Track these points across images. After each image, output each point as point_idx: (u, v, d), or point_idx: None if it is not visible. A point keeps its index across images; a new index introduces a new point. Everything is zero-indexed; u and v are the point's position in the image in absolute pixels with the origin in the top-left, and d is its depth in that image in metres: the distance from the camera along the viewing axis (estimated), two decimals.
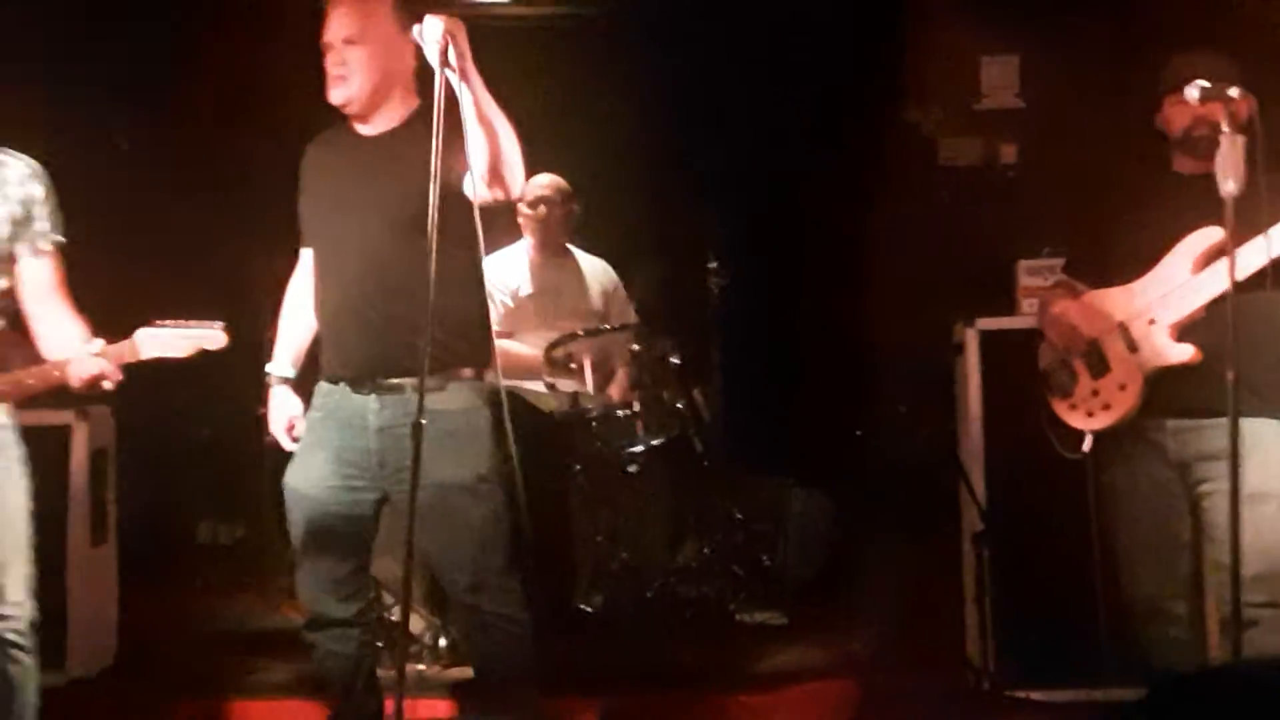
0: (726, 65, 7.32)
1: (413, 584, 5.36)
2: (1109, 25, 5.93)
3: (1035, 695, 5.38)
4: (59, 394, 5.91)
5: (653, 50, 7.34)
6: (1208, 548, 4.55)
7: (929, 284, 6.47)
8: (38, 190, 4.26)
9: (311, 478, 4.39)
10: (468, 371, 4.39)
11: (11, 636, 4.36)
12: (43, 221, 4.27)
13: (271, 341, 6.94)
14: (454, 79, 4.02)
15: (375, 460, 4.29)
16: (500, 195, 4.25)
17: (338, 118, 4.49)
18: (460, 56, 4.03)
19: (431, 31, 3.99)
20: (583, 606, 6.07)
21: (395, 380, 4.29)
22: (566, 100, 7.25)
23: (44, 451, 5.81)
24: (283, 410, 4.59)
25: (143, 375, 6.90)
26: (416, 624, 5.73)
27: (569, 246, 6.66)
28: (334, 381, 4.41)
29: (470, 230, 4.28)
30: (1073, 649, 5.31)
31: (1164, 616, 4.68)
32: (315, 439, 4.43)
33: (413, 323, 4.05)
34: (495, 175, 4.19)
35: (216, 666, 6.08)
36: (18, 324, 4.36)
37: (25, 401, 5.76)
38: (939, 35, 7.13)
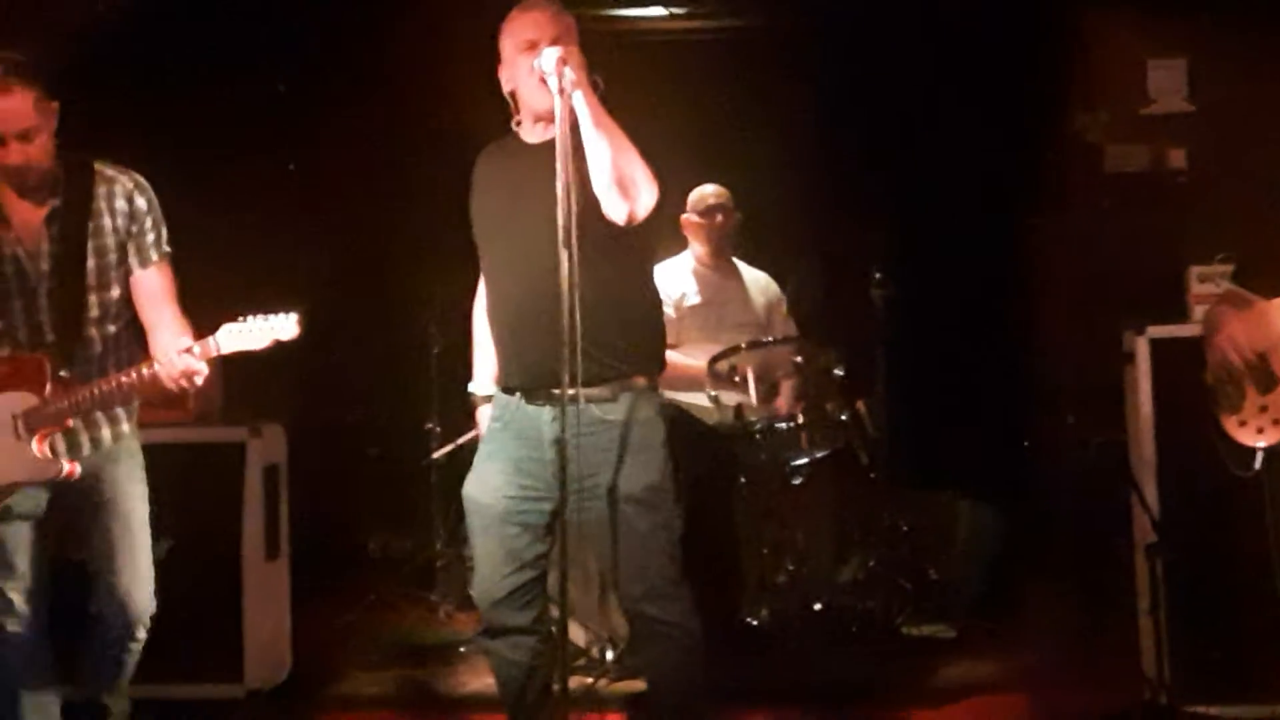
0: (890, 75, 7.24)
1: (582, 597, 5.40)
2: None
3: (1214, 711, 5.25)
4: (232, 412, 6.06)
5: (817, 61, 7.28)
6: None
7: (1097, 292, 6.37)
8: (143, 204, 4.47)
9: (489, 488, 4.42)
10: (641, 380, 4.37)
11: (134, 645, 4.56)
12: (151, 234, 4.48)
13: (439, 357, 7.04)
14: (578, 102, 4.09)
15: (551, 471, 4.27)
16: (624, 215, 4.21)
17: (506, 128, 4.51)
18: (573, 84, 4.06)
19: (547, 61, 4.06)
20: (748, 620, 6.03)
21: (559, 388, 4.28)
22: (731, 112, 7.24)
23: (218, 468, 5.98)
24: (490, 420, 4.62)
25: (313, 390, 7.02)
26: (582, 637, 5.73)
27: (733, 259, 6.64)
28: (510, 392, 4.43)
29: (637, 238, 4.33)
30: (1253, 663, 5.19)
31: None
32: (493, 449, 4.46)
33: (585, 333, 4.03)
34: (615, 195, 4.17)
35: (389, 680, 6.16)
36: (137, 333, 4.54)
37: (199, 419, 5.92)
38: (1104, 39, 7.01)
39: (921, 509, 6.57)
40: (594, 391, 4.21)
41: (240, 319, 4.28)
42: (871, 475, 6.30)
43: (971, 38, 7.09)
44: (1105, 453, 6.04)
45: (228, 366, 5.86)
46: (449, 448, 6.85)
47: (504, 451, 4.42)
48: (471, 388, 4.73)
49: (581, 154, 4.13)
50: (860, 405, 6.30)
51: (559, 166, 3.99)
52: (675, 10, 7.54)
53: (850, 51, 7.29)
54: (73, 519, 4.50)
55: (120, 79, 5.36)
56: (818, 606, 6.06)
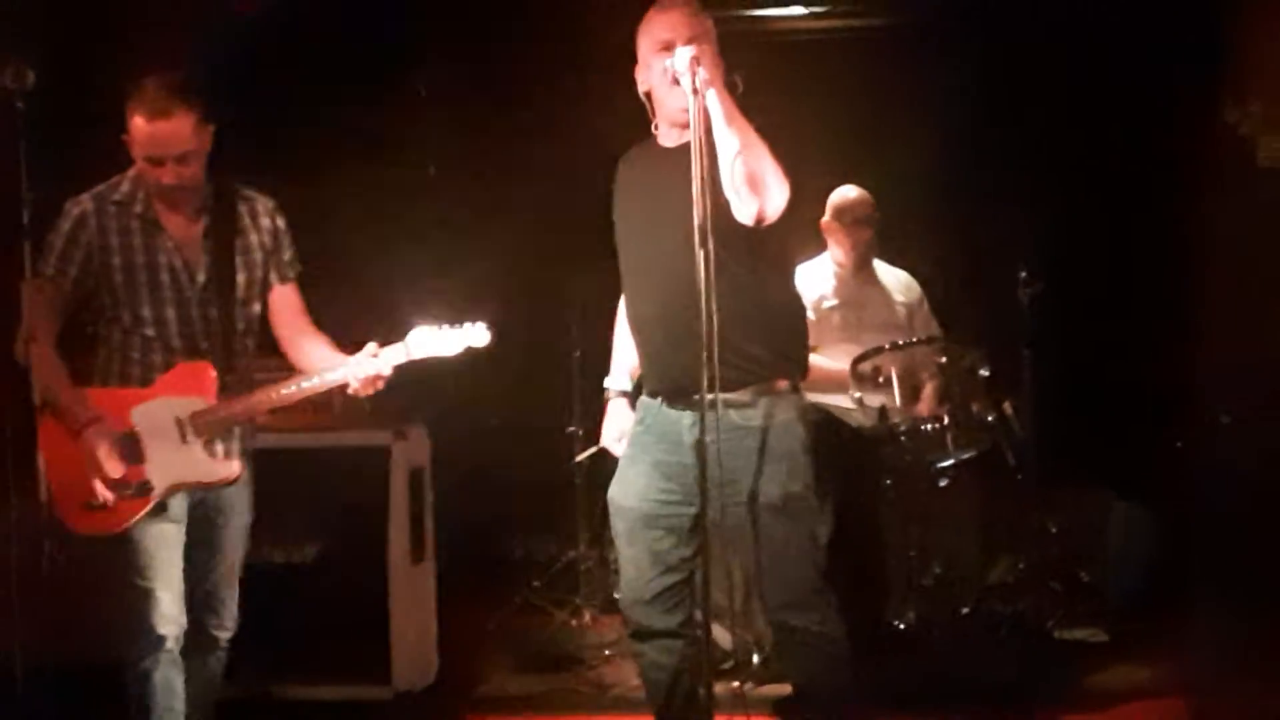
0: (1034, 69, 7.17)
1: (727, 601, 5.36)
2: None
3: None
4: (377, 416, 6.11)
5: (959, 56, 7.20)
6: None
7: (1251, 289, 6.20)
8: (282, 224, 4.66)
9: (632, 492, 4.44)
10: (782, 384, 4.35)
11: (226, 645, 4.67)
12: (288, 252, 4.67)
13: (582, 360, 7.05)
14: (710, 102, 4.07)
15: (692, 475, 4.24)
16: (753, 215, 4.16)
17: (645, 133, 4.51)
18: (705, 83, 4.03)
19: (680, 61, 4.04)
20: (895, 623, 5.99)
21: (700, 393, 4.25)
22: (873, 110, 7.17)
23: (364, 472, 6.03)
24: (615, 423, 4.70)
25: (457, 393, 7.06)
26: (728, 640, 5.70)
27: (873, 260, 6.57)
28: (652, 396, 4.45)
29: (776, 241, 4.31)
30: None
31: None
32: (636, 453, 4.48)
33: (723, 337, 4.01)
34: (747, 195, 4.13)
35: (535, 683, 6.18)
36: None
37: (344, 423, 5.97)
38: (1257, 29, 6.83)
39: (1072, 509, 6.51)
40: (732, 396, 4.19)
41: (430, 325, 4.45)
42: (1019, 476, 6.23)
43: (1120, 28, 6.97)
44: (1263, 450, 5.94)
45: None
46: (592, 450, 6.85)
47: (647, 455, 4.43)
48: (606, 382, 4.78)
49: (715, 156, 4.10)
50: (1007, 405, 6.23)
51: (694, 167, 3.97)
52: (815, 9, 7.48)
53: (994, 45, 7.24)
54: (207, 531, 4.56)
55: (259, 90, 5.45)
56: (966, 610, 6.01)
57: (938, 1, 7.26)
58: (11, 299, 4.33)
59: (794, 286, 4.56)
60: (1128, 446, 6.84)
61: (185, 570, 4.52)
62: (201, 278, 4.49)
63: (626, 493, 4.45)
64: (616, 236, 4.59)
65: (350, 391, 4.44)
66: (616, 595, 6.73)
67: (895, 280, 6.57)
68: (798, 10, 7.44)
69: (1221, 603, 6.07)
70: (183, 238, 4.50)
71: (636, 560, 4.45)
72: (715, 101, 4.09)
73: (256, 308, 4.62)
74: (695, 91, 4.02)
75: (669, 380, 4.35)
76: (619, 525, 4.50)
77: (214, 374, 4.43)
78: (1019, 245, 6.46)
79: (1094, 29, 7.04)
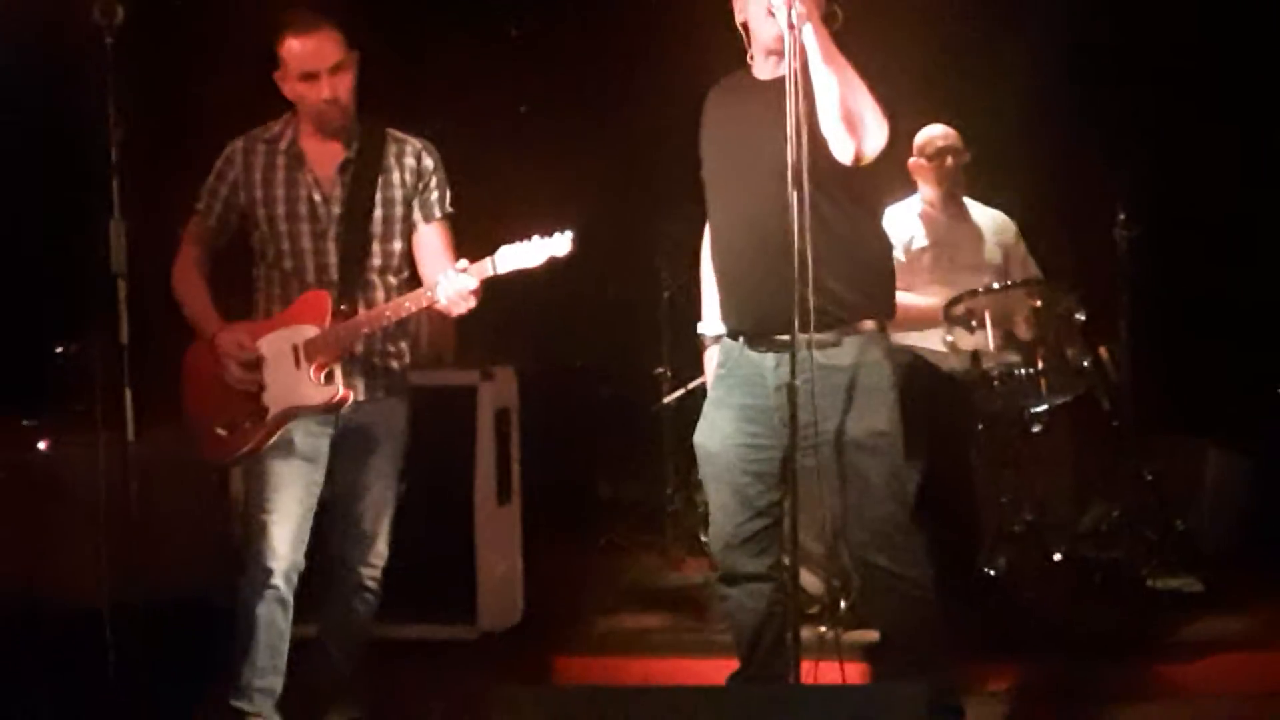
0: (1136, 15, 7.03)
1: (814, 545, 5.34)
2: None
3: None
4: (466, 356, 6.15)
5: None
6: None
7: None
8: (430, 164, 4.74)
9: (717, 436, 4.44)
10: (869, 324, 4.32)
11: (370, 584, 4.74)
12: (436, 192, 4.75)
13: (670, 300, 7.03)
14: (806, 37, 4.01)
15: (778, 418, 4.25)
16: (850, 153, 4.13)
17: (738, 63, 4.47)
18: (802, 17, 3.96)
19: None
20: (987, 570, 5.96)
21: (789, 337, 4.20)
22: (968, 48, 7.07)
23: (451, 412, 6.10)
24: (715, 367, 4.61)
25: (544, 334, 7.07)
26: (815, 585, 5.68)
27: (965, 199, 6.48)
28: (734, 338, 4.43)
29: (866, 181, 4.27)
30: None
31: None
32: (720, 397, 4.47)
33: (807, 277, 3.96)
34: (844, 134, 4.10)
35: (621, 624, 6.22)
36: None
37: (431, 362, 6.02)
38: None
39: (1167, 457, 6.44)
40: (819, 337, 4.11)
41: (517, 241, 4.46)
42: (1114, 423, 6.17)
43: None
44: None
45: None
46: (679, 393, 6.89)
47: (731, 398, 4.43)
48: (701, 329, 4.73)
49: (810, 92, 4.04)
50: (1103, 351, 6.18)
51: (789, 103, 3.91)
52: None
53: None
54: (340, 461, 4.67)
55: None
56: (1058, 557, 5.97)
57: None
58: (101, 236, 4.39)
59: (881, 227, 4.52)
60: (1225, 394, 6.79)
61: (337, 506, 4.69)
62: (337, 210, 4.63)
63: (713, 437, 4.44)
64: (703, 169, 4.56)
65: (442, 309, 4.48)
66: (703, 538, 6.77)
67: (990, 220, 6.49)
68: None
69: None
70: (324, 172, 4.68)
71: (724, 505, 4.45)
72: (812, 36, 4.03)
73: (396, 244, 4.72)
74: (791, 26, 3.94)
75: (752, 321, 4.35)
76: (706, 470, 4.50)
77: (329, 302, 4.54)
78: (1117, 186, 6.40)
79: None
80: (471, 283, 4.40)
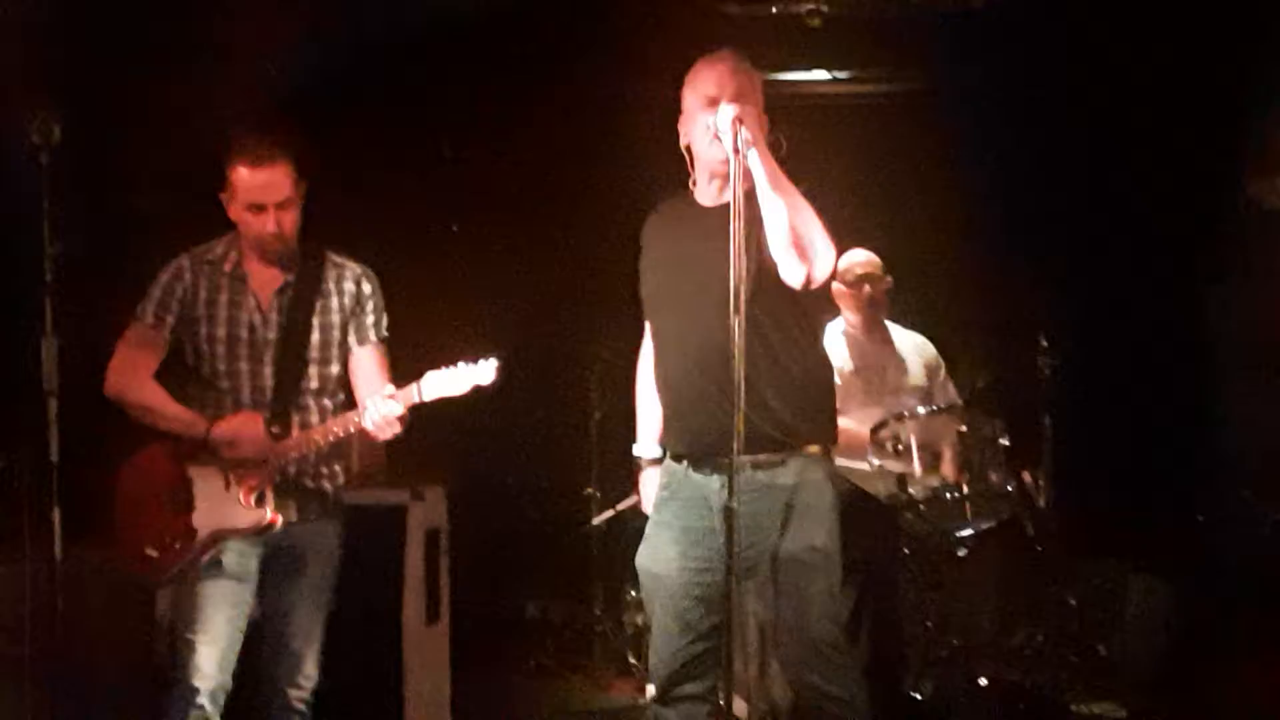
0: (1056, 139, 7.18)
1: (741, 670, 5.33)
2: None
3: None
4: (396, 475, 6.13)
5: (979, 125, 7.20)
6: None
7: (1273, 362, 6.17)
8: (369, 289, 4.75)
9: (659, 559, 4.39)
10: (814, 449, 4.32)
11: (299, 705, 4.65)
12: (372, 316, 4.75)
13: (600, 422, 7.04)
14: (753, 162, 4.05)
15: (720, 541, 4.18)
16: (800, 278, 4.14)
17: (674, 188, 4.51)
18: (747, 142, 4.00)
19: (723, 119, 4.01)
20: (912, 694, 5.94)
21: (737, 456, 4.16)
22: (892, 176, 7.18)
23: (380, 531, 6.04)
24: (652, 490, 4.56)
25: (474, 454, 7.06)
26: (744, 709, 5.66)
27: (886, 322, 6.54)
28: (677, 460, 4.40)
29: (810, 305, 4.31)
30: None
31: None
32: (662, 519, 4.43)
33: (753, 400, 3.98)
34: (794, 259, 4.11)
35: None
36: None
37: (359, 483, 5.99)
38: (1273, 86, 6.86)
39: (1090, 582, 6.52)
40: (763, 457, 4.16)
41: (442, 368, 4.46)
42: (1039, 547, 6.20)
43: (1141, 100, 6.97)
44: None
45: None
46: (608, 513, 6.88)
47: (675, 521, 4.38)
48: (637, 451, 4.69)
49: (756, 217, 4.07)
50: (1026, 475, 6.24)
51: (733, 227, 3.92)
52: (837, 74, 7.51)
53: (1014, 115, 7.24)
54: (271, 583, 4.60)
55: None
56: (983, 681, 5.95)
57: (956, 70, 7.25)
58: (32, 353, 4.33)
59: (824, 352, 4.52)
60: (1148, 520, 6.81)
61: (266, 626, 4.61)
62: (274, 334, 4.60)
63: (656, 560, 4.40)
64: (645, 292, 4.55)
65: (370, 433, 4.47)
66: (631, 660, 6.74)
67: (912, 344, 6.55)
68: (820, 75, 7.47)
69: (1242, 680, 6.03)
70: (264, 295, 4.64)
71: (666, 628, 4.39)
72: (758, 161, 4.07)
73: (333, 368, 4.69)
74: (736, 151, 3.99)
75: (696, 444, 4.32)
76: (649, 592, 4.46)
77: (260, 425, 4.50)
78: (1039, 315, 6.47)
79: (1115, 99, 7.05)
80: (397, 408, 4.41)
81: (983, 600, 6.11)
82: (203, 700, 4.45)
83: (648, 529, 4.46)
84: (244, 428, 4.51)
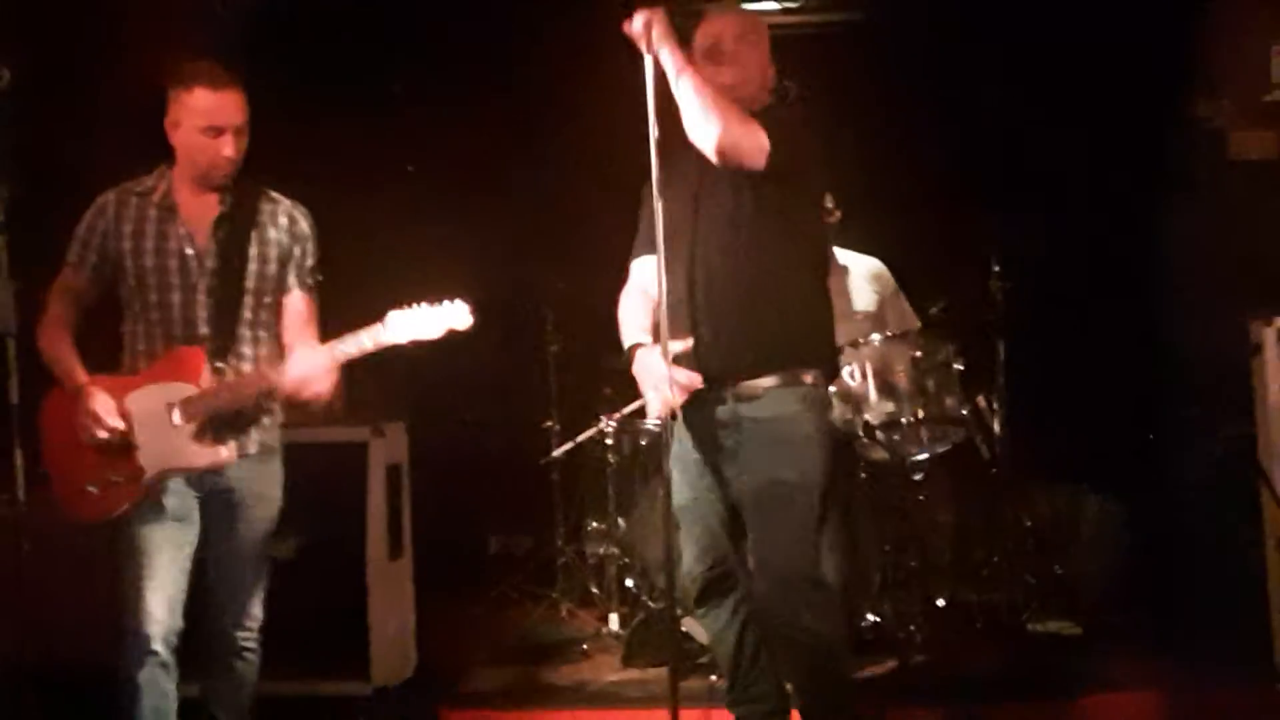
0: (1009, 64, 7.21)
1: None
2: None
3: None
4: (357, 412, 6.13)
5: (932, 52, 7.23)
6: None
7: (1222, 283, 6.26)
8: (305, 229, 4.70)
9: (678, 487, 4.47)
10: (808, 376, 4.40)
11: (248, 644, 4.63)
12: (310, 260, 4.70)
13: (557, 356, 7.05)
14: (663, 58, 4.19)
15: (722, 468, 4.40)
16: (712, 145, 4.22)
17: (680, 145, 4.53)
18: (658, 39, 4.17)
19: (636, 24, 4.17)
20: (872, 616, 6.01)
21: (724, 386, 4.37)
22: (846, 104, 7.13)
23: (342, 468, 6.07)
24: (649, 371, 4.47)
25: (433, 389, 7.06)
26: (702, 634, 5.72)
27: (839, 250, 6.52)
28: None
29: (800, 235, 4.45)
30: None
31: None
32: (677, 450, 4.49)
33: (743, 322, 4.23)
34: (703, 130, 4.22)
35: (512, 675, 6.21)
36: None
37: (323, 419, 5.98)
38: (1227, 24, 6.88)
39: (1045, 503, 6.56)
40: (744, 388, 4.32)
41: (406, 306, 4.42)
42: (993, 470, 6.27)
43: (1093, 24, 6.99)
44: (1233, 444, 5.96)
45: (349, 366, 5.91)
46: (567, 446, 6.89)
47: (685, 453, 4.49)
48: (626, 342, 4.64)
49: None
50: (980, 399, 6.27)
51: (650, 122, 4.13)
52: (789, 4, 7.50)
53: (967, 41, 7.27)
54: (214, 520, 4.56)
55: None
56: (941, 602, 6.08)
57: (917, 6, 7.26)
58: None
59: (822, 277, 4.59)
60: (1101, 439, 6.88)
61: (208, 568, 4.55)
62: (210, 263, 4.53)
63: (683, 493, 4.48)
64: (641, 222, 4.67)
65: (292, 390, 4.47)
66: (593, 590, 6.80)
67: (865, 267, 6.50)
68: (772, 5, 7.45)
69: (1192, 594, 6.12)
70: (197, 225, 4.56)
71: (699, 540, 4.52)
72: (667, 57, 4.19)
73: (268, 300, 4.63)
74: (649, 50, 4.18)
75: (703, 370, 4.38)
76: (683, 521, 4.54)
77: (203, 359, 4.46)
78: (993, 240, 6.48)
79: (1066, 29, 7.07)
80: (359, 350, 4.42)
81: (939, 523, 6.20)
82: (156, 646, 4.41)
83: (671, 465, 4.47)
84: (181, 364, 4.46)
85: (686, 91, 4.19)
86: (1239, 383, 5.80)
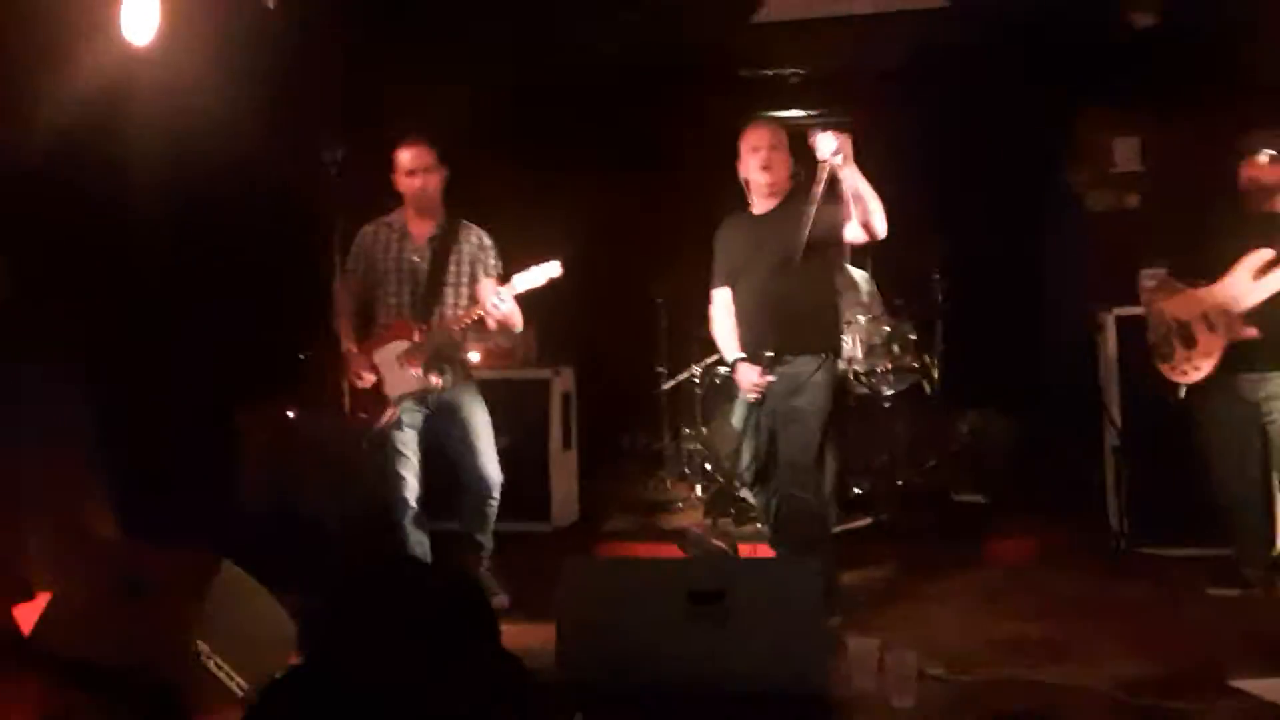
0: (946, 151, 7.03)
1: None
2: (1202, 114, 5.54)
3: (1155, 551, 5.17)
4: (543, 361, 6.13)
5: (897, 141, 6.90)
6: (1274, 456, 4.34)
7: (1081, 287, 6.16)
8: (488, 243, 4.62)
9: (738, 417, 4.44)
10: (821, 355, 4.32)
11: (492, 496, 4.59)
12: (491, 259, 4.61)
13: (668, 329, 6.98)
14: (842, 169, 4.03)
15: (765, 405, 4.35)
16: (865, 238, 4.19)
17: (739, 205, 4.50)
18: (847, 157, 4.00)
19: (826, 143, 3.96)
20: (856, 489, 6.05)
21: (777, 358, 4.31)
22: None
23: (534, 395, 6.16)
24: (747, 375, 4.37)
25: (591, 346, 6.98)
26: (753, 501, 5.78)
27: (847, 266, 6.50)
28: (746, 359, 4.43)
29: (829, 267, 4.37)
30: (1181, 521, 5.09)
31: (1243, 502, 4.50)
32: (736, 398, 4.46)
33: (791, 322, 4.13)
34: (865, 231, 4.16)
35: (634, 522, 6.29)
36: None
37: (522, 364, 6.00)
38: (1086, 124, 6.82)
39: (966, 421, 6.50)
40: (788, 358, 4.26)
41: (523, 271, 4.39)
42: (934, 402, 6.24)
43: (1005, 124, 6.85)
44: (1085, 387, 5.93)
45: (539, 328, 5.97)
46: (672, 382, 6.91)
47: (741, 401, 4.43)
48: (729, 358, 4.57)
49: (803, 213, 4.08)
50: (926, 357, 6.25)
51: (811, 213, 4.01)
52: (810, 112, 7.36)
53: (924, 136, 7.01)
54: (443, 428, 4.54)
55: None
56: (900, 482, 6.06)
57: (888, 103, 7.06)
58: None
59: (833, 293, 4.48)
60: (1003, 382, 6.74)
61: (460, 453, 4.53)
62: (425, 267, 4.52)
63: (738, 416, 4.42)
64: (721, 266, 4.52)
65: (487, 315, 4.38)
66: (686, 471, 6.81)
67: (860, 277, 6.44)
68: (800, 112, 7.38)
69: (1060, 480, 6.11)
70: (419, 244, 4.54)
71: (752, 450, 4.44)
72: (851, 173, 4.05)
73: (464, 290, 4.54)
74: (824, 163, 3.98)
75: (754, 348, 4.35)
76: (742, 436, 4.47)
77: (411, 326, 4.44)
78: (935, 256, 6.41)
79: (990, 128, 6.91)
80: (505, 299, 4.34)
81: (898, 433, 6.14)
82: (413, 504, 4.49)
83: (736, 405, 4.44)
84: (401, 330, 4.46)
85: (866, 192, 4.09)
86: (1090, 349, 5.78)
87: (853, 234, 4.18)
